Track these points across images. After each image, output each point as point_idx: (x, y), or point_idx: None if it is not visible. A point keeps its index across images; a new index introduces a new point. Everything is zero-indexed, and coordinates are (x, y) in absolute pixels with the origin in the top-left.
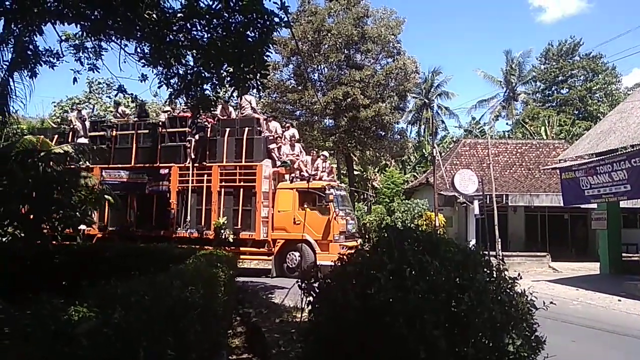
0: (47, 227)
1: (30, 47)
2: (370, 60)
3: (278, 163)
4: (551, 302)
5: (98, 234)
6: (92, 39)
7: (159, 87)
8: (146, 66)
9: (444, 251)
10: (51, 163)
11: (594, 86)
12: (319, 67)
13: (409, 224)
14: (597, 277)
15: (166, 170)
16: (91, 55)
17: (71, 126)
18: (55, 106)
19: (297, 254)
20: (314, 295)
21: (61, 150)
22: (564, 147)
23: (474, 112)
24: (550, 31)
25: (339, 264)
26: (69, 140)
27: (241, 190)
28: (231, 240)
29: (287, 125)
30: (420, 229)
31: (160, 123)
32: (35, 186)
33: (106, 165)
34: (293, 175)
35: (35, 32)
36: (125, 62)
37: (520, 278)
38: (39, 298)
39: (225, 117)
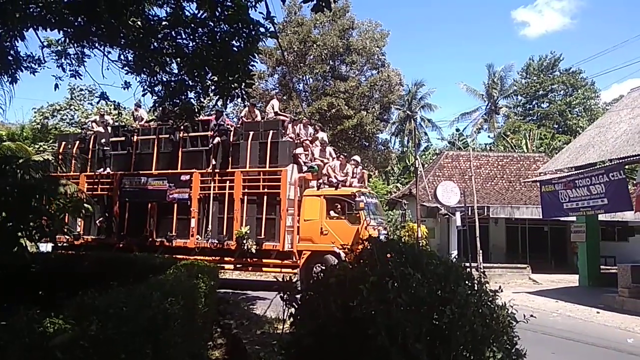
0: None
1: (11, 52)
2: (355, 71)
3: (304, 168)
4: (531, 315)
5: (118, 243)
6: (75, 45)
7: (142, 95)
8: (130, 73)
9: (426, 264)
10: (30, 170)
11: (574, 101)
12: (304, 78)
13: (391, 235)
14: (576, 289)
15: (187, 177)
16: (73, 62)
17: (93, 131)
18: (35, 112)
19: (324, 267)
20: (296, 307)
21: (41, 158)
22: (544, 160)
23: (456, 124)
24: (533, 46)
25: (321, 275)
26: (90, 146)
27: (265, 197)
28: (254, 251)
29: (316, 128)
30: (402, 240)
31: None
32: (13, 194)
33: (127, 172)
34: (321, 181)
35: (17, 37)
36: (108, 69)
37: (501, 291)
38: (14, 308)
39: (250, 121)
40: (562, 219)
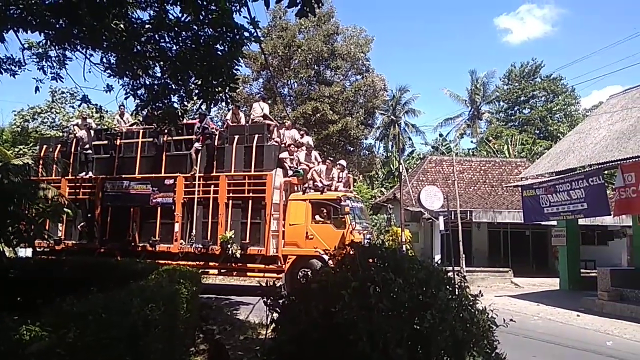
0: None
1: None
2: (339, 76)
3: (290, 172)
4: (511, 320)
5: (100, 248)
6: (56, 47)
7: (125, 98)
8: (112, 76)
9: (407, 268)
10: (9, 174)
11: (554, 107)
12: (289, 82)
13: (376, 240)
14: (556, 292)
15: (171, 181)
16: (55, 64)
17: (75, 135)
18: (15, 115)
19: (309, 271)
20: (278, 312)
21: (20, 162)
22: (526, 165)
23: (440, 129)
24: (515, 52)
25: (304, 281)
26: (72, 149)
27: (250, 201)
28: (238, 256)
29: (302, 132)
30: (385, 245)
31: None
32: None
33: (109, 176)
34: (306, 185)
35: None
36: (90, 72)
37: (482, 295)
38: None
39: (235, 124)
40: (543, 223)
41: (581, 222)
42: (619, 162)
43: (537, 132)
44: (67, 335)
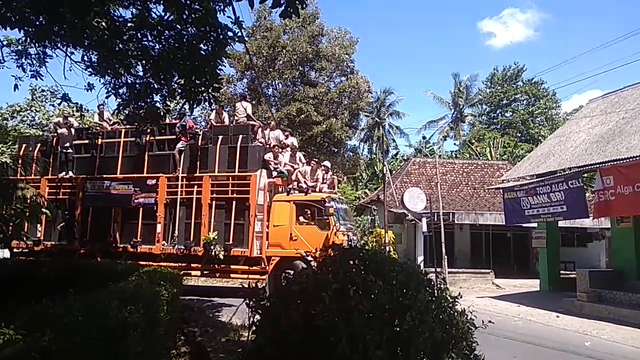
0: None
1: None
2: (324, 78)
3: (274, 173)
4: (490, 321)
5: (80, 249)
6: (36, 45)
7: (106, 97)
8: (93, 75)
9: (388, 270)
10: None
11: (536, 110)
12: (274, 83)
13: (360, 241)
14: (537, 293)
15: (154, 181)
16: (34, 62)
17: (55, 133)
18: None
19: (292, 273)
20: (260, 314)
21: None
22: (507, 168)
23: (423, 131)
24: (498, 56)
25: (285, 283)
26: (52, 148)
27: (234, 202)
28: (222, 257)
29: (286, 133)
30: (367, 246)
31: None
32: None
33: (90, 176)
34: (290, 186)
35: None
36: (70, 70)
37: (461, 297)
38: None
39: (219, 124)
40: (524, 225)
41: (561, 224)
42: (598, 166)
43: (519, 135)
44: (42, 338)
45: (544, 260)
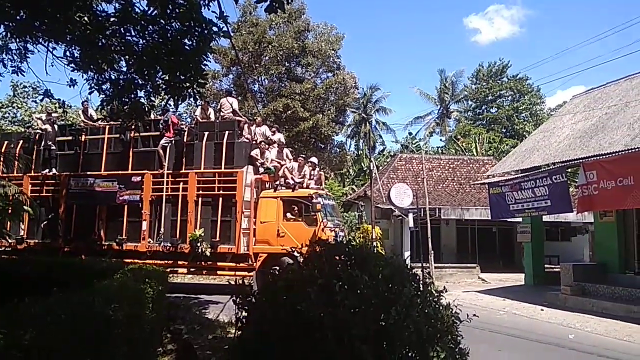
0: None
1: None
2: (310, 73)
3: (261, 170)
4: (474, 315)
5: (64, 248)
6: (17, 40)
7: (89, 93)
8: (76, 71)
9: (373, 265)
10: None
11: (521, 106)
12: (260, 79)
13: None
14: (522, 287)
15: (139, 178)
16: (15, 57)
17: (38, 130)
18: None
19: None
20: (246, 311)
21: None
22: (493, 163)
23: (410, 127)
24: (484, 52)
25: (271, 279)
26: (35, 145)
27: (220, 199)
28: (208, 254)
29: (273, 129)
30: (353, 242)
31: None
32: None
33: (74, 173)
34: (277, 183)
35: None
36: (52, 65)
37: (446, 291)
38: None
39: (204, 120)
40: (509, 219)
41: (545, 218)
42: (581, 161)
43: (504, 130)
44: (24, 337)
45: (529, 254)
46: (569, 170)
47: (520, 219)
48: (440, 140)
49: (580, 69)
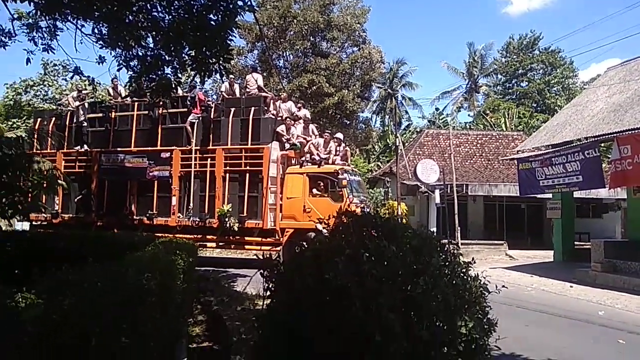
0: None
1: None
2: (335, 48)
3: (287, 145)
4: (503, 286)
5: (97, 222)
6: (47, 18)
7: (117, 70)
8: (104, 48)
9: (401, 236)
10: (2, 147)
11: (552, 80)
12: (284, 54)
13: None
14: (551, 264)
15: (167, 154)
16: (45, 35)
17: (69, 108)
18: (7, 88)
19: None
20: (274, 282)
21: (14, 135)
22: (522, 138)
23: (437, 103)
24: (515, 24)
25: (298, 250)
26: (67, 122)
27: (247, 175)
28: (236, 229)
29: (299, 105)
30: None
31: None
32: None
33: (105, 149)
34: (303, 159)
35: None
36: (81, 43)
37: (474, 262)
38: None
39: (230, 96)
40: (538, 196)
41: (576, 194)
42: (615, 135)
43: (535, 105)
44: (63, 302)
45: (559, 231)
46: (602, 145)
47: (550, 195)
48: (469, 115)
49: (615, 40)
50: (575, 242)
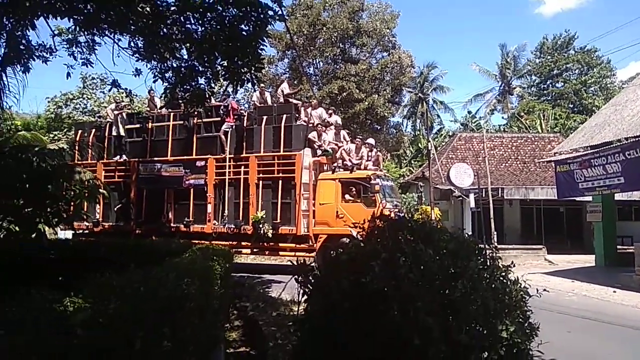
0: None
1: (23, 41)
2: (365, 54)
3: (319, 152)
4: (544, 290)
5: (136, 230)
6: (85, 33)
7: (153, 82)
8: (140, 60)
9: (437, 240)
10: (46, 158)
11: (589, 80)
12: (314, 61)
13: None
14: (592, 269)
15: (202, 162)
16: (84, 50)
17: (108, 119)
18: (49, 102)
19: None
20: (310, 288)
21: (56, 147)
22: (559, 140)
23: (469, 106)
24: (548, 24)
25: (333, 254)
26: (106, 134)
27: (280, 182)
28: (270, 235)
29: (330, 111)
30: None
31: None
32: (30, 181)
33: (143, 159)
34: (335, 165)
35: (28, 26)
36: (119, 56)
37: (514, 266)
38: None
39: (262, 104)
40: (577, 199)
41: (617, 197)
42: None
43: (571, 106)
44: (109, 307)
45: (600, 234)
46: None
47: (589, 198)
48: (502, 118)
49: None
50: (618, 246)
